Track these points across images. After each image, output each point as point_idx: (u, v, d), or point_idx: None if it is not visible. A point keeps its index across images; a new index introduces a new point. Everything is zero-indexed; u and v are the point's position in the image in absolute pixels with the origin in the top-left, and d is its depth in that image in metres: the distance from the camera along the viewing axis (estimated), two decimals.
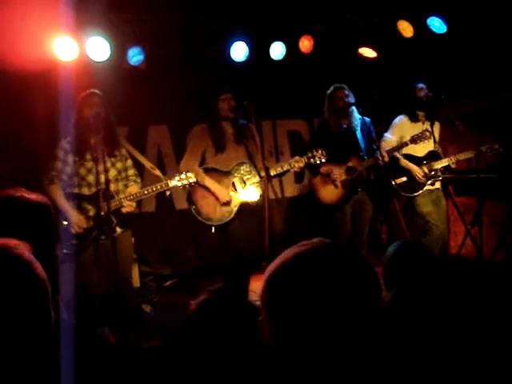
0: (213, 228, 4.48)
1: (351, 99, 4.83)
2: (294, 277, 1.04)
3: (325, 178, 4.91)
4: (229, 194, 4.46)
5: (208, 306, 1.64)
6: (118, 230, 4.06)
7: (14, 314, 1.21)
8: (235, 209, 4.46)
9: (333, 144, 4.71)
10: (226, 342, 1.55)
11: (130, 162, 4.27)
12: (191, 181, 4.21)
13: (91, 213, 4.02)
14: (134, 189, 4.16)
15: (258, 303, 1.15)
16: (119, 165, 4.17)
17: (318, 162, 4.52)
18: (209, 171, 4.51)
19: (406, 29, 5.66)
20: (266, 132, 6.74)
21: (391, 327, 1.87)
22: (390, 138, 5.09)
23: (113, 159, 4.12)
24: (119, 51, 5.19)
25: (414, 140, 4.84)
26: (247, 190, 4.51)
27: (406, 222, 5.14)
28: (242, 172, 4.52)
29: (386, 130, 5.27)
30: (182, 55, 5.75)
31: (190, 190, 4.49)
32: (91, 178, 4.04)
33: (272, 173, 4.41)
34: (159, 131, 6.34)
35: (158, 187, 4.14)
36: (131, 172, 4.25)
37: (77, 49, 4.91)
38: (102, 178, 3.88)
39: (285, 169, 4.49)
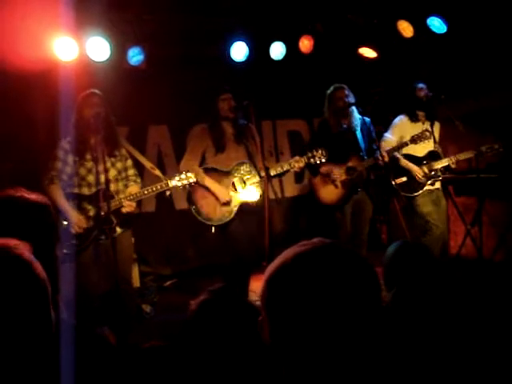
0: (213, 228, 4.48)
1: (351, 99, 4.83)
2: (293, 277, 1.04)
3: (325, 177, 4.91)
4: (229, 194, 4.46)
5: (208, 306, 1.64)
6: (118, 230, 4.06)
7: (14, 314, 1.21)
8: (235, 209, 4.46)
9: (333, 144, 4.71)
10: (226, 342, 1.55)
11: (130, 162, 4.27)
12: (191, 181, 4.21)
13: (91, 213, 4.02)
14: (134, 189, 4.16)
15: (258, 303, 1.15)
16: (119, 165, 4.17)
17: (318, 162, 4.52)
18: (209, 171, 4.51)
19: (406, 29, 5.66)
20: (265, 132, 6.73)
21: (391, 327, 1.87)
22: (390, 138, 5.09)
23: (113, 159, 4.12)
24: (119, 51, 5.19)
25: (414, 140, 4.84)
26: (247, 190, 4.51)
27: (406, 222, 5.14)
28: (241, 172, 4.52)
29: (385, 130, 5.27)
30: (182, 55, 5.75)
31: (189, 190, 4.49)
32: (91, 178, 4.03)
33: (272, 173, 4.41)
34: (159, 131, 6.34)
35: (158, 187, 4.14)
36: (131, 172, 4.25)
37: (77, 49, 4.91)
38: (102, 177, 3.88)
39: (285, 169, 4.49)
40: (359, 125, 4.87)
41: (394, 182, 5.02)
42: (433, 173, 4.99)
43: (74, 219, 3.93)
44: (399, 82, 6.05)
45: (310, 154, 4.50)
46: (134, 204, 4.08)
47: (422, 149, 5.02)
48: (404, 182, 5.03)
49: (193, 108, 5.77)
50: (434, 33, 5.51)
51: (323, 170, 4.86)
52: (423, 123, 5.04)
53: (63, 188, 4.01)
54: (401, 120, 5.14)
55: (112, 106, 4.19)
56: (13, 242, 1.29)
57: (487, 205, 5.47)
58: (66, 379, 1.28)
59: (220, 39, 5.60)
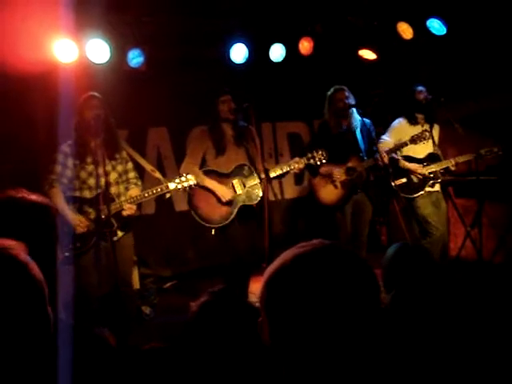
0: (213, 230, 4.49)
1: (351, 101, 4.84)
2: (293, 278, 1.04)
3: (324, 178, 4.91)
4: (230, 193, 4.46)
5: (208, 308, 1.64)
6: (119, 233, 4.06)
7: (10, 315, 1.21)
8: (235, 211, 4.46)
9: (333, 145, 4.72)
10: (227, 344, 1.55)
11: (130, 165, 4.27)
12: (191, 183, 4.21)
13: (92, 216, 4.01)
14: (134, 192, 4.15)
15: (258, 304, 1.15)
16: (120, 168, 4.16)
17: (318, 162, 4.52)
18: (209, 173, 4.51)
19: (405, 31, 5.66)
20: (265, 134, 6.73)
21: (390, 329, 1.87)
22: (387, 140, 5.07)
23: (113, 162, 4.12)
24: (119, 53, 5.19)
25: (414, 140, 4.83)
26: (247, 192, 4.51)
27: (406, 223, 5.13)
28: (241, 174, 4.53)
29: (384, 132, 5.26)
30: (181, 57, 5.75)
31: (190, 193, 4.49)
32: (92, 181, 4.03)
33: (272, 175, 4.41)
34: (159, 133, 6.33)
35: (159, 190, 4.14)
36: (132, 175, 4.25)
37: (77, 51, 4.91)
38: (103, 181, 3.88)
39: (284, 170, 4.50)
40: (359, 126, 4.88)
41: (393, 184, 5.01)
42: (432, 175, 4.99)
43: (75, 222, 3.92)
44: (399, 84, 6.05)
45: (309, 155, 4.51)
46: (134, 207, 4.07)
47: (421, 150, 5.02)
48: (403, 183, 5.03)
49: (192, 110, 5.76)
50: (433, 35, 5.51)
51: (323, 170, 4.86)
52: (422, 126, 5.02)
53: (63, 191, 4.00)
54: (399, 123, 5.13)
55: (112, 108, 4.19)
56: (8, 243, 1.29)
57: (487, 207, 5.47)
58: (64, 379, 1.27)
59: (219, 41, 5.60)
